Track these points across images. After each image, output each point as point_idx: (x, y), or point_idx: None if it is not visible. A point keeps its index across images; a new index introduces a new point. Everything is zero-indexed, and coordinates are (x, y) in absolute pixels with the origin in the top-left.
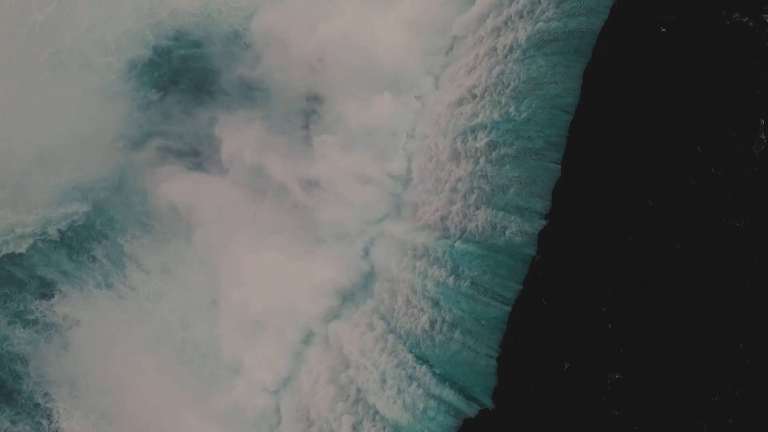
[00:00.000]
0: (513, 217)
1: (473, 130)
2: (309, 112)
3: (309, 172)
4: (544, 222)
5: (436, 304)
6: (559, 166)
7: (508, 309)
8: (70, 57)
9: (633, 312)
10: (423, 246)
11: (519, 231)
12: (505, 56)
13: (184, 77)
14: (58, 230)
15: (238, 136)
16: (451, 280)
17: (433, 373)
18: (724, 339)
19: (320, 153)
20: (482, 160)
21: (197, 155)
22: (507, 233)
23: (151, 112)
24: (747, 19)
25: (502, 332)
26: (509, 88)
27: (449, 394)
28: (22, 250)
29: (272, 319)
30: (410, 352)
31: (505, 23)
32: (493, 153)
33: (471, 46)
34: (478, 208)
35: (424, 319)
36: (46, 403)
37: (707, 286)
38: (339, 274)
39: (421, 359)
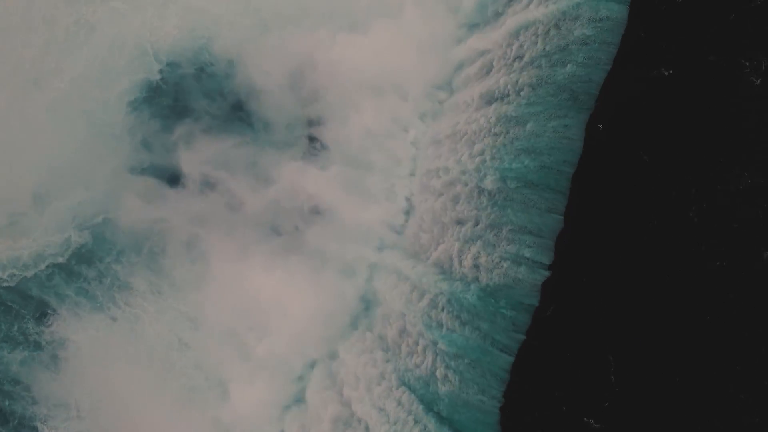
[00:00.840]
0: (470, 249)
1: (436, 171)
2: (306, 136)
3: (307, 197)
4: (547, 273)
5: (403, 316)
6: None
7: (478, 340)
8: (64, 94)
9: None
10: (393, 264)
11: (474, 264)
12: (463, 111)
13: (176, 105)
14: (54, 263)
15: (233, 160)
16: (413, 296)
17: (398, 377)
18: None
19: (316, 177)
20: (443, 197)
21: (190, 179)
22: (463, 264)
23: (146, 139)
24: (722, 61)
25: (502, 380)
26: (465, 137)
27: (408, 400)
28: (13, 283)
29: (269, 343)
30: (380, 349)
31: (465, 83)
32: (451, 191)
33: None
34: (441, 238)
35: (394, 328)
36: (40, 424)
37: (699, 335)
38: (336, 302)
39: (389, 361)
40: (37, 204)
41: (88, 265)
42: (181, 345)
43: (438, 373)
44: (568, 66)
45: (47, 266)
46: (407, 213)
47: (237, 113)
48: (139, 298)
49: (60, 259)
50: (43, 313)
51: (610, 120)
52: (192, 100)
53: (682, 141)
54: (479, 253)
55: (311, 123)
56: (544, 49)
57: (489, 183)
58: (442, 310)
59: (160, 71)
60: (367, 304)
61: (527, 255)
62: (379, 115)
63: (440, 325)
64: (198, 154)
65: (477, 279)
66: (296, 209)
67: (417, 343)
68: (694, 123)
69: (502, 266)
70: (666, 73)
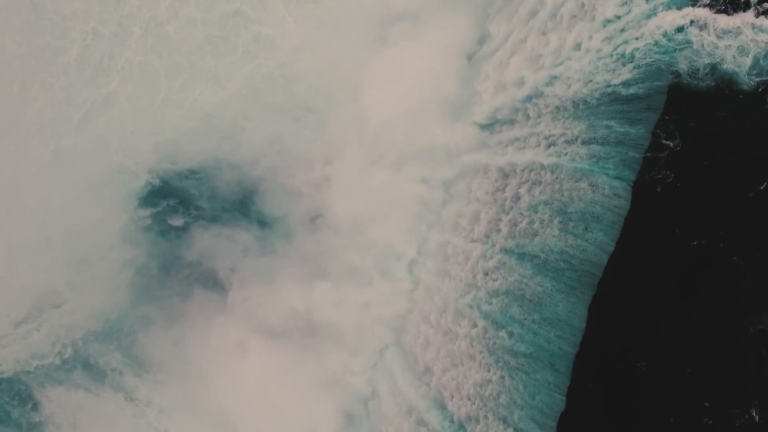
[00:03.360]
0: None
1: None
2: (313, 238)
3: (311, 303)
4: None
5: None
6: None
7: None
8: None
9: None
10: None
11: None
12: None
13: (172, 204)
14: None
15: (241, 264)
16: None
17: None
18: None
19: (321, 287)
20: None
21: (184, 275)
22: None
23: (140, 240)
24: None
25: None
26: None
27: None
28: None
29: None
30: None
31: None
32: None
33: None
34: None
35: None
36: None
37: None
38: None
39: None
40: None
41: (75, 354)
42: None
43: None
44: (569, 239)
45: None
46: (408, 315)
47: (234, 212)
48: (123, 384)
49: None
50: (23, 394)
51: (613, 302)
52: (202, 202)
53: (683, 330)
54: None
55: (313, 220)
56: (542, 214)
57: (491, 344)
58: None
59: (154, 176)
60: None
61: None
62: (381, 232)
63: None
64: (208, 257)
65: None
66: (292, 311)
67: None
68: (698, 316)
69: None
70: (669, 257)
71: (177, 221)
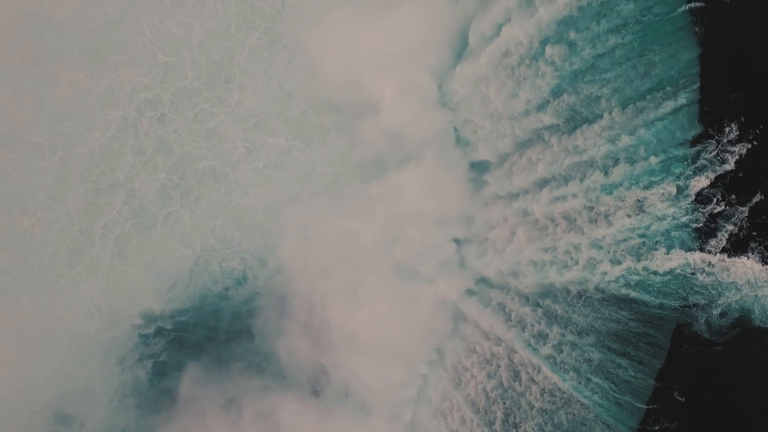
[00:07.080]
0: None
1: None
2: (317, 379)
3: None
4: None
5: None
6: None
7: None
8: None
9: None
10: None
11: None
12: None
13: (176, 341)
14: None
15: (250, 402)
16: None
17: None
18: None
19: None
20: None
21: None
22: None
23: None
24: None
25: None
26: None
27: None
28: None
29: None
30: None
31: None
32: None
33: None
34: None
35: None
36: None
37: None
38: None
39: None
40: None
41: None
42: None
43: None
44: None
45: None
46: None
47: (253, 354)
48: None
49: None
50: None
51: None
52: (203, 342)
53: None
54: None
55: (335, 364)
56: None
57: None
58: None
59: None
60: None
61: None
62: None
63: None
64: (190, 387)
65: None
66: None
67: None
68: None
69: None
70: None
71: (169, 360)
